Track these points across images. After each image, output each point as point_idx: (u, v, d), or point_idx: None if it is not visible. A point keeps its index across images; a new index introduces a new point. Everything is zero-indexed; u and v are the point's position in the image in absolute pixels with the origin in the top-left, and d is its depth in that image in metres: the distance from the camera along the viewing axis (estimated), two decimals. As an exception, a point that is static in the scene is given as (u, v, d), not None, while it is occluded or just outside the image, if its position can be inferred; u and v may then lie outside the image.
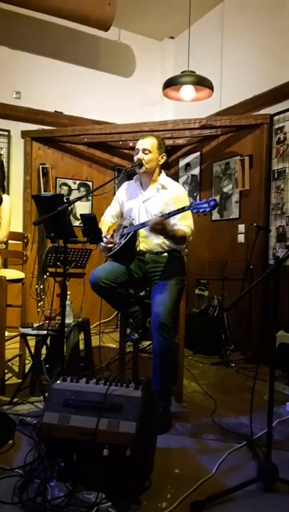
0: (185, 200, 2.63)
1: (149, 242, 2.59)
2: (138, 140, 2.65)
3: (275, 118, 3.86)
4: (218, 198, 4.51)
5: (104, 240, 2.60)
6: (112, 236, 2.71)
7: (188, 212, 2.49)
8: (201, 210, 2.18)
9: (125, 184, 2.84)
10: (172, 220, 2.52)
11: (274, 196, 3.85)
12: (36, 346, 2.79)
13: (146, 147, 2.58)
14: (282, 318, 3.20)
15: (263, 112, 4.02)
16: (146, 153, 2.57)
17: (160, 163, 2.66)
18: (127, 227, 2.55)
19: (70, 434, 1.67)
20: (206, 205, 2.17)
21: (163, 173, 2.72)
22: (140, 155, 2.57)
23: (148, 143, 2.59)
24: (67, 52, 4.91)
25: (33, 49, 4.71)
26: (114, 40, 5.20)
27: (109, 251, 2.66)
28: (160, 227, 2.33)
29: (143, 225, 2.49)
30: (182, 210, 2.33)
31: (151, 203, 2.62)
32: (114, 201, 2.88)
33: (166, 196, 2.60)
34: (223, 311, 3.93)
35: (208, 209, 2.16)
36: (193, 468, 1.94)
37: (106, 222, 2.84)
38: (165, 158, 2.69)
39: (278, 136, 3.82)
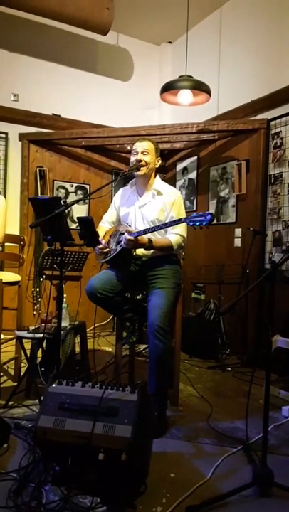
0: (181, 205, 2.65)
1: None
2: (134, 143, 2.66)
3: (272, 123, 3.88)
4: (214, 202, 4.53)
5: (100, 245, 2.61)
6: (108, 241, 2.71)
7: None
8: (198, 223, 2.19)
9: (121, 190, 2.85)
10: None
11: (270, 201, 3.87)
12: (32, 349, 2.78)
13: (146, 148, 2.59)
14: (278, 323, 3.20)
15: (260, 116, 4.04)
16: (145, 154, 2.58)
17: (156, 166, 2.67)
18: (123, 233, 2.55)
19: (65, 437, 1.66)
20: (202, 218, 2.18)
21: (158, 178, 2.73)
22: (139, 156, 2.58)
23: (147, 144, 2.61)
24: (66, 56, 4.92)
25: (31, 52, 4.72)
26: (112, 44, 5.22)
27: (104, 257, 2.66)
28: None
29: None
30: (178, 221, 2.35)
31: (147, 209, 2.63)
32: (110, 207, 2.90)
33: (161, 202, 2.61)
34: (219, 315, 3.93)
35: (204, 222, 2.17)
36: (189, 472, 1.93)
37: (103, 227, 2.85)
38: (160, 162, 2.71)
39: (275, 141, 3.84)
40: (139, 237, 2.41)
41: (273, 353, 2.91)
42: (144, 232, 2.42)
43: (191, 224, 2.23)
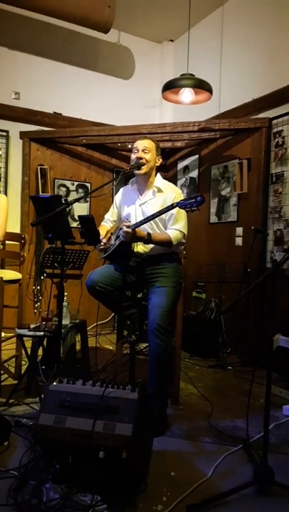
0: None
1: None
2: (135, 141, 2.66)
3: (274, 122, 3.87)
4: (216, 200, 4.52)
5: (98, 249, 2.62)
6: (109, 238, 2.72)
7: (181, 216, 2.54)
8: (188, 206, 2.25)
9: (122, 189, 2.86)
10: (166, 223, 2.58)
11: (272, 200, 3.86)
12: (33, 347, 2.78)
13: (147, 146, 2.59)
14: (279, 322, 3.20)
15: (261, 115, 4.03)
16: (146, 153, 2.58)
17: (157, 165, 2.67)
18: (122, 228, 2.55)
19: (65, 435, 1.66)
20: (193, 200, 2.23)
21: (159, 176, 2.73)
22: (140, 153, 2.58)
23: (147, 143, 2.61)
24: (67, 54, 4.91)
25: (32, 50, 4.72)
26: (113, 43, 5.21)
27: (105, 252, 2.67)
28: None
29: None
30: (171, 207, 2.36)
31: (148, 207, 2.62)
32: (112, 206, 2.91)
33: (162, 199, 2.61)
34: (220, 314, 3.93)
35: (195, 205, 2.23)
36: (189, 471, 1.93)
37: (105, 226, 2.86)
38: (161, 161, 2.71)
39: (277, 139, 3.83)
40: (137, 231, 2.41)
41: (274, 351, 2.91)
42: (141, 223, 2.42)
43: (183, 207, 2.28)
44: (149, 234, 2.45)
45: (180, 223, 2.55)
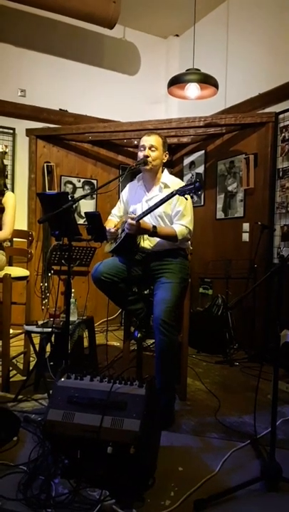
0: (188, 198, 2.63)
1: (152, 239, 2.59)
2: (142, 137, 2.65)
3: (281, 116, 3.85)
4: (222, 196, 4.51)
5: (108, 233, 2.62)
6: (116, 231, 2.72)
7: (188, 211, 2.54)
8: (187, 192, 2.30)
9: (129, 185, 2.87)
10: (173, 218, 2.58)
11: (279, 195, 3.84)
12: (41, 344, 2.80)
13: (153, 143, 2.58)
14: (286, 317, 3.19)
15: (268, 110, 4.00)
16: (152, 150, 2.58)
17: (164, 161, 2.66)
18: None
19: (74, 431, 1.68)
20: (191, 186, 2.28)
21: (166, 171, 2.72)
22: (147, 151, 2.57)
23: (154, 140, 2.60)
24: (72, 50, 4.91)
25: (37, 47, 4.72)
26: (119, 38, 5.19)
27: (111, 245, 2.68)
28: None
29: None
30: (171, 195, 2.36)
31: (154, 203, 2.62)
32: (119, 202, 2.91)
33: None
34: (227, 310, 3.93)
35: (193, 190, 2.28)
36: (197, 466, 1.94)
37: (112, 220, 2.87)
38: (168, 156, 2.70)
39: (283, 134, 3.80)
40: (142, 223, 2.41)
41: (281, 347, 2.90)
42: (144, 214, 2.42)
43: (182, 194, 2.31)
44: (154, 226, 2.45)
45: (186, 219, 2.55)
